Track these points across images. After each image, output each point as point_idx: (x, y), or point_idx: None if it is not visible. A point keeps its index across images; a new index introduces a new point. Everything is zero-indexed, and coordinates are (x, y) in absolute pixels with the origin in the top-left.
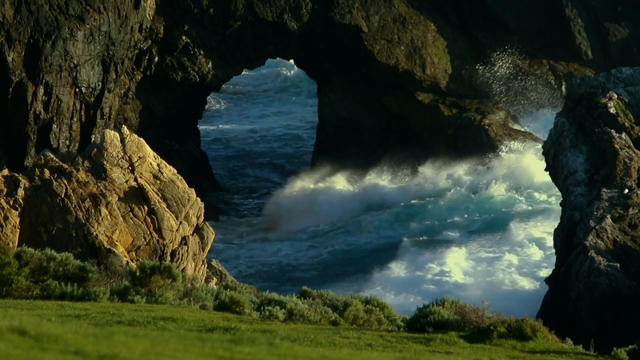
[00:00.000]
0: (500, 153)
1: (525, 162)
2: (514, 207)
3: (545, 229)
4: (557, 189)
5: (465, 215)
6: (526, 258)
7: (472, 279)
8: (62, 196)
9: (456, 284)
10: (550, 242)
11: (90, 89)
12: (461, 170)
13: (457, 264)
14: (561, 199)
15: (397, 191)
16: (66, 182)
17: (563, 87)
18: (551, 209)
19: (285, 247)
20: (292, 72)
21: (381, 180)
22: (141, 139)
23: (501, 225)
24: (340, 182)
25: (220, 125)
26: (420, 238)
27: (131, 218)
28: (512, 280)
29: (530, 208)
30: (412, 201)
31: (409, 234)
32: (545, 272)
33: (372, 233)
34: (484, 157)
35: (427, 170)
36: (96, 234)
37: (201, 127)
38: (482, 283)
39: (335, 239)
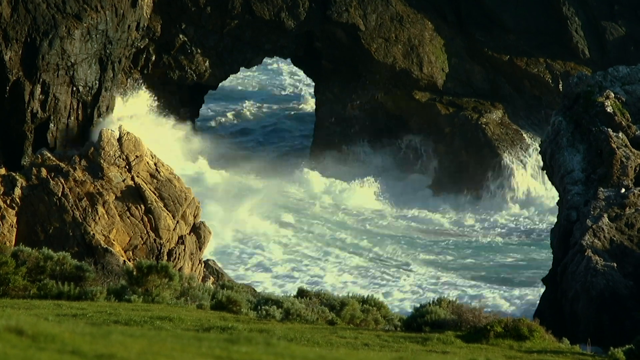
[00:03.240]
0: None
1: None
2: None
3: None
4: None
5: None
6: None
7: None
8: (59, 195)
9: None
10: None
11: (88, 88)
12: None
13: None
14: (558, 198)
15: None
16: (63, 181)
17: (560, 86)
18: None
19: None
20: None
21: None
22: (138, 138)
23: None
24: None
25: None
26: None
27: (128, 217)
28: None
29: None
30: None
31: None
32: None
33: None
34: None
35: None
36: (93, 233)
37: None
38: None
39: None
